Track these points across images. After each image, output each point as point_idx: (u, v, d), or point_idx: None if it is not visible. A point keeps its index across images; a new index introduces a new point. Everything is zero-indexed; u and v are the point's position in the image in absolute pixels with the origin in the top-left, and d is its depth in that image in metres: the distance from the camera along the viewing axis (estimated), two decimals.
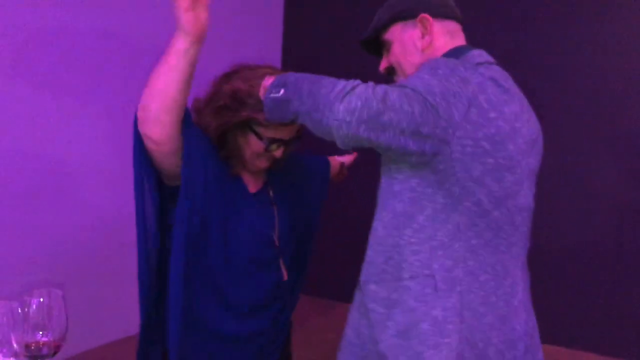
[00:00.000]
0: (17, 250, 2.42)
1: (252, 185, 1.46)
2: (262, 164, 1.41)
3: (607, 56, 3.18)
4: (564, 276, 3.28)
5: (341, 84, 1.01)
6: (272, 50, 4.17)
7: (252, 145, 1.36)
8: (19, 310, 1.04)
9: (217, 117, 1.34)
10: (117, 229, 2.81)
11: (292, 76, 1.14)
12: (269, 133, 1.34)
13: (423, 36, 1.19)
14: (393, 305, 1.09)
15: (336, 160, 1.79)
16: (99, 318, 2.74)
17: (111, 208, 2.83)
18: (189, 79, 1.18)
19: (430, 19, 1.18)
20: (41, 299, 1.05)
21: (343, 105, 0.96)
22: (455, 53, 1.17)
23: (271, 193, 1.49)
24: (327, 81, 1.04)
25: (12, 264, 2.40)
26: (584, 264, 3.29)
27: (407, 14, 1.20)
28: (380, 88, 0.99)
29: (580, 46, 3.24)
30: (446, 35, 1.20)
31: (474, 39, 1.29)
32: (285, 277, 1.46)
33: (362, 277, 1.15)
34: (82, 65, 2.67)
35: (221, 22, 3.68)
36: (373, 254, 1.14)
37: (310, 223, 1.61)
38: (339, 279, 3.97)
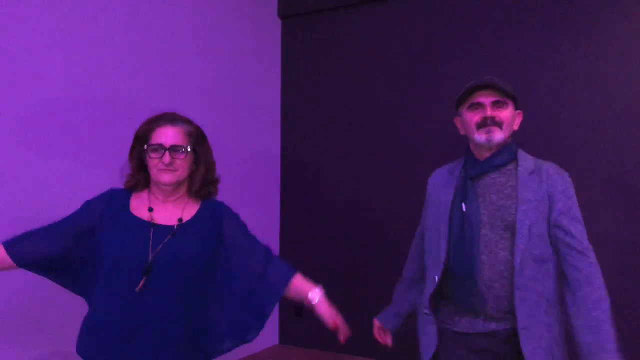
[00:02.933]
0: (58, 328, 2.40)
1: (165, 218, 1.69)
2: (163, 176, 1.63)
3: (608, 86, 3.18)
4: None
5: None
6: (271, 93, 4.19)
7: (148, 160, 1.65)
8: None
9: (132, 159, 1.71)
10: None
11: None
12: (152, 140, 1.64)
13: (513, 122, 1.86)
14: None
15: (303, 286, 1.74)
16: None
17: None
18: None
19: (522, 115, 1.90)
20: None
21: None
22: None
23: (176, 227, 1.67)
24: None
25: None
26: None
27: (517, 104, 1.86)
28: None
29: (578, 80, 3.25)
30: None
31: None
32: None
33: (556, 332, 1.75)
34: (80, 130, 2.69)
35: (222, 59, 3.72)
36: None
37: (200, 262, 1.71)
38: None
